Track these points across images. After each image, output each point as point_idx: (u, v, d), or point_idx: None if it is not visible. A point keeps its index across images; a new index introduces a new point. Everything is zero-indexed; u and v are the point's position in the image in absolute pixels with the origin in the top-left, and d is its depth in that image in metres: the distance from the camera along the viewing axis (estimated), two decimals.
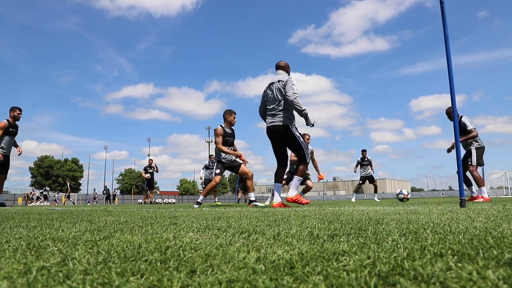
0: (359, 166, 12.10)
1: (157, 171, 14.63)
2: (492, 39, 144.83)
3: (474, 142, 6.79)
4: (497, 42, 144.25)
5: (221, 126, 6.32)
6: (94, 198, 36.46)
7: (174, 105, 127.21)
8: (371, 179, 12.10)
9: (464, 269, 0.67)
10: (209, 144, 69.11)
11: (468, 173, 6.94)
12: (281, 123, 4.80)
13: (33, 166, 60.53)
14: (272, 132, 4.90)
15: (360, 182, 12.23)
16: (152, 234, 1.38)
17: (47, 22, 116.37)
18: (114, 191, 40.26)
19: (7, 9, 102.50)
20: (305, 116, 4.86)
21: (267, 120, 4.99)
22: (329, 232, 1.30)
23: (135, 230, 1.53)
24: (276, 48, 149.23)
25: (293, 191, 4.85)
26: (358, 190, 12.54)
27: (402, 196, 8.07)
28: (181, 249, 0.97)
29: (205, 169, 12.79)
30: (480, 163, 6.80)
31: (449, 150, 7.16)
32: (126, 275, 0.68)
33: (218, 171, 6.30)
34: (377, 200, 11.56)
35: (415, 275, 0.64)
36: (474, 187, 6.91)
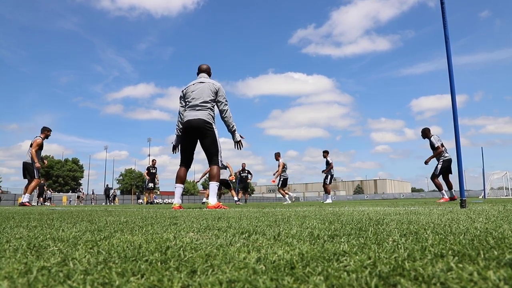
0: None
1: (157, 179, 14.97)
2: (493, 39, 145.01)
3: (442, 156, 8.11)
4: (498, 42, 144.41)
5: None
6: (93, 199, 36.48)
7: (174, 105, 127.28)
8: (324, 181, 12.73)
9: (465, 270, 0.67)
10: None
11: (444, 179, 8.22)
12: (206, 119, 4.77)
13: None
14: (193, 126, 4.76)
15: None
16: (152, 234, 1.38)
17: (47, 23, 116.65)
18: (114, 191, 40.18)
19: (6, 9, 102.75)
20: (233, 132, 5.03)
21: (188, 113, 4.82)
22: (330, 233, 1.30)
23: (136, 230, 1.53)
24: (276, 48, 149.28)
25: (213, 198, 4.73)
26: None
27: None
28: (181, 249, 0.97)
29: (239, 175, 14.25)
30: (449, 171, 8.09)
31: (426, 162, 8.22)
32: (127, 275, 0.68)
33: None
34: (329, 201, 11.78)
35: (416, 275, 0.64)
36: (445, 191, 8.18)
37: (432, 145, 8.19)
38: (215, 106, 4.95)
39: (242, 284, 0.62)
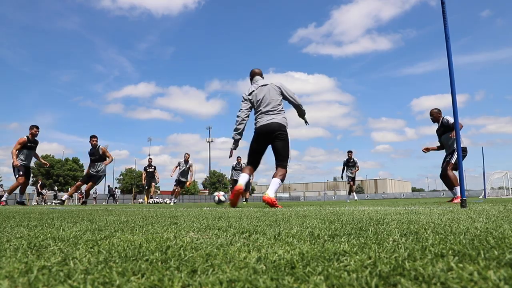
0: (345, 167, 13.04)
1: (157, 178, 14.42)
2: (494, 39, 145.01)
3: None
4: (499, 41, 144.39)
5: None
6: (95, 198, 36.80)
7: (175, 104, 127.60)
8: (353, 180, 13.07)
9: (465, 270, 0.67)
10: (209, 144, 69.15)
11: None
12: (282, 123, 4.90)
13: (34, 166, 60.58)
14: (268, 131, 4.84)
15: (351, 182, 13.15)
16: (153, 233, 1.39)
17: (48, 22, 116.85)
18: (114, 191, 40.18)
19: (8, 9, 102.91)
20: (304, 115, 5.24)
21: (263, 118, 4.91)
22: (330, 232, 1.30)
23: (136, 230, 1.53)
24: (276, 47, 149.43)
25: (273, 192, 4.67)
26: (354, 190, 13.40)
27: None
28: (182, 248, 0.97)
29: (232, 170, 13.47)
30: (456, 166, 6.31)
31: (427, 149, 6.94)
32: (127, 275, 0.69)
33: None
34: (350, 200, 12.54)
35: (416, 275, 0.64)
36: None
37: (446, 127, 6.47)
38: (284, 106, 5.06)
39: (242, 283, 0.62)
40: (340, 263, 0.75)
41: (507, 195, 28.15)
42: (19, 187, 8.69)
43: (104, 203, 32.58)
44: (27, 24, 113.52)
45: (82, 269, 0.74)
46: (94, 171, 9.25)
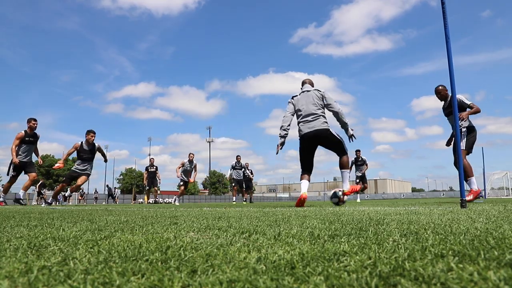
0: (353, 166, 12.83)
1: (159, 178, 14.02)
2: (495, 39, 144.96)
3: (468, 121, 5.64)
4: (499, 41, 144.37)
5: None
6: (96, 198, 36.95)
7: (175, 104, 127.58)
8: (363, 179, 12.84)
9: (465, 270, 0.67)
10: (209, 143, 69.19)
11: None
12: (323, 127, 5.06)
13: (35, 165, 60.44)
14: (313, 137, 5.05)
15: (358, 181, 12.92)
16: (153, 233, 1.39)
17: (48, 22, 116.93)
18: (114, 191, 40.19)
19: (8, 9, 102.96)
20: (347, 128, 5.28)
21: (303, 126, 5.11)
22: (330, 233, 1.30)
23: (136, 230, 1.53)
24: (276, 47, 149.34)
25: (347, 185, 5.04)
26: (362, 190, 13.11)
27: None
28: (182, 249, 0.97)
29: (232, 169, 13.39)
30: (470, 147, 5.60)
31: (448, 143, 6.14)
32: (127, 275, 0.69)
33: None
34: (352, 199, 12.54)
35: (416, 275, 0.64)
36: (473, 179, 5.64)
37: (461, 106, 5.54)
38: (325, 111, 5.19)
39: (242, 284, 0.62)
40: (340, 263, 0.75)
41: (507, 195, 28.15)
42: (28, 182, 8.30)
43: (104, 203, 32.59)
44: (27, 24, 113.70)
45: (82, 269, 0.74)
46: (83, 169, 8.23)
